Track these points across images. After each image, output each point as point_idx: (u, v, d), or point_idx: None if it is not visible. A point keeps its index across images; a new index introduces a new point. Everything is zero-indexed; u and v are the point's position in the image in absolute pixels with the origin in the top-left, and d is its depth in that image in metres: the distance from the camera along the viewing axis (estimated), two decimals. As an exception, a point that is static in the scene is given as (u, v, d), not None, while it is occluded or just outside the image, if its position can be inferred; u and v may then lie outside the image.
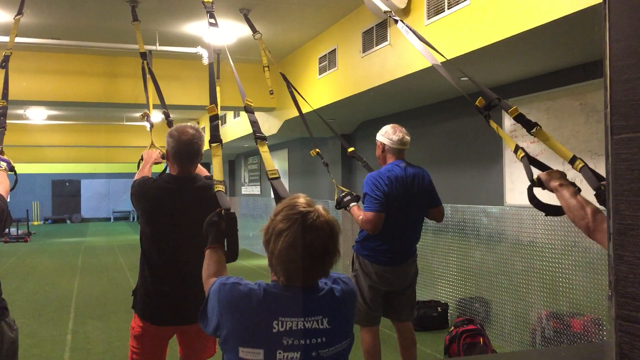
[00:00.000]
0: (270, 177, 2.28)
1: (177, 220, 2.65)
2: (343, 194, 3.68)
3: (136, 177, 2.88)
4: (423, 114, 6.26)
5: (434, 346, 4.97)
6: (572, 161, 2.15)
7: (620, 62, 0.77)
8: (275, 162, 11.40)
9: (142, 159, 3.19)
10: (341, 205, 3.66)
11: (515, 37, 3.40)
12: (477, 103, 2.55)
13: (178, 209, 2.64)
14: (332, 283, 1.69)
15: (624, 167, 0.75)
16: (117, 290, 7.88)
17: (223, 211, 2.04)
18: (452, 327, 4.61)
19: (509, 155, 4.86)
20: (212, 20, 3.05)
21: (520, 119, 2.36)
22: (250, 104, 2.68)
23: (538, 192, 2.18)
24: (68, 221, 25.46)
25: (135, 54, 4.79)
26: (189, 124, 2.79)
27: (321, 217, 1.60)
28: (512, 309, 4.87)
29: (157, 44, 5.64)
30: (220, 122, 10.68)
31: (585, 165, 2.06)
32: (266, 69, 4.96)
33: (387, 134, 3.52)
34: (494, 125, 2.53)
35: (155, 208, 2.67)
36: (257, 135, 2.52)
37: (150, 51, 5.32)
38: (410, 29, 3.05)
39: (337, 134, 4.23)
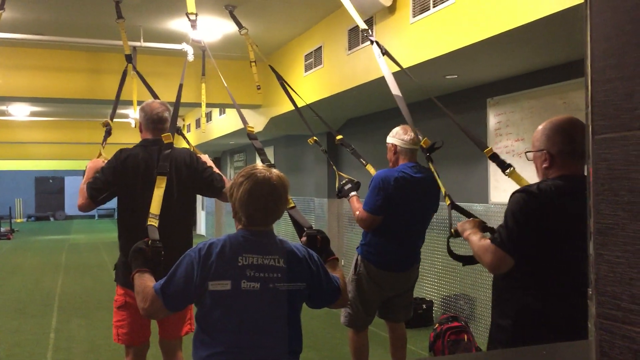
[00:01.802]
0: (288, 207, 2.45)
1: (152, 181, 2.78)
2: (344, 182, 3.60)
3: (81, 184, 2.97)
4: (410, 111, 6.27)
5: (418, 343, 5.00)
6: None
7: (601, 63, 0.77)
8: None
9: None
10: (342, 194, 3.59)
11: (499, 35, 3.42)
12: (422, 144, 2.75)
13: (153, 169, 2.82)
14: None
15: (605, 166, 0.76)
16: (101, 288, 7.82)
17: (150, 242, 2.22)
18: (437, 324, 4.63)
19: (493, 154, 4.90)
20: (195, 34, 3.05)
21: (495, 159, 2.51)
22: (251, 130, 2.78)
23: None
24: (52, 218, 25.22)
25: (119, 50, 4.76)
26: (157, 100, 3.20)
27: (273, 172, 1.99)
28: (496, 306, 4.91)
29: (142, 40, 5.59)
30: (205, 119, 10.59)
31: None
32: (253, 64, 4.92)
33: (397, 135, 3.42)
34: (432, 167, 2.71)
35: (133, 172, 2.89)
36: (267, 165, 2.59)
37: (134, 47, 5.28)
38: (385, 52, 3.12)
39: (326, 124, 4.12)
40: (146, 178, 2.87)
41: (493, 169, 4.98)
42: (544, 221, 1.98)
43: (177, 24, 5.65)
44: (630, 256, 0.72)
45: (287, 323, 1.97)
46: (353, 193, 3.52)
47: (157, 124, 3.00)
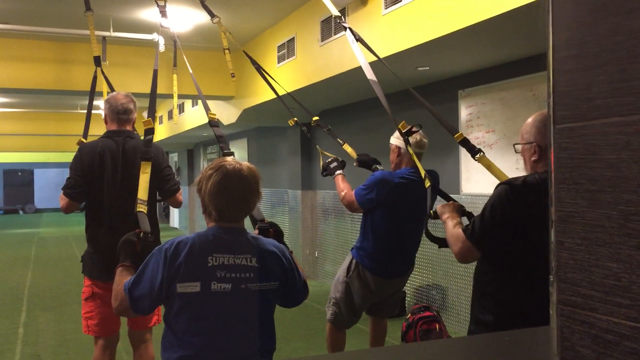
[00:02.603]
0: None
1: (117, 170, 2.94)
2: (329, 160, 3.55)
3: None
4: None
5: (391, 333, 5.03)
6: None
7: (562, 53, 0.78)
8: (235, 152, 11.31)
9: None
10: (327, 171, 3.53)
11: (469, 27, 3.44)
12: (399, 127, 2.74)
13: (118, 160, 2.95)
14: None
15: (565, 156, 0.77)
16: (71, 281, 7.72)
17: (142, 234, 2.17)
18: (409, 314, 4.68)
19: (465, 145, 4.95)
20: (164, 21, 3.01)
21: (465, 144, 2.52)
22: (213, 117, 2.75)
23: None
24: (21, 212, 24.74)
25: (88, 40, 4.66)
26: (121, 92, 3.24)
27: (243, 164, 1.91)
28: (467, 296, 4.97)
29: (112, 29, 5.50)
30: (178, 110, 10.47)
31: None
32: (227, 51, 4.84)
33: (401, 137, 3.21)
34: (411, 150, 2.71)
35: (99, 163, 2.96)
36: (224, 152, 2.58)
37: (104, 37, 5.18)
38: (358, 39, 3.10)
39: (303, 107, 4.04)
40: (112, 168, 2.94)
41: (464, 160, 5.02)
42: (526, 216, 1.95)
43: (147, 13, 5.56)
44: (589, 243, 0.73)
45: (260, 323, 1.90)
46: (339, 172, 3.48)
47: (121, 114, 3.07)
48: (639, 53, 0.67)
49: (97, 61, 4.18)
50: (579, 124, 0.75)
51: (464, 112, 5.04)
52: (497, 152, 4.45)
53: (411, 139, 3.18)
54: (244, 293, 1.83)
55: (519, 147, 2.13)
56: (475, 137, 4.83)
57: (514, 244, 1.99)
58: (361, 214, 3.46)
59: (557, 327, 0.78)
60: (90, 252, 2.99)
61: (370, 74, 2.88)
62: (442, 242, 2.33)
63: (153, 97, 2.74)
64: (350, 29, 3.14)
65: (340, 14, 3.37)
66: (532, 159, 2.07)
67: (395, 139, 3.37)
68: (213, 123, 2.80)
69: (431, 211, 2.39)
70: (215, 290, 1.79)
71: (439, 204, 2.41)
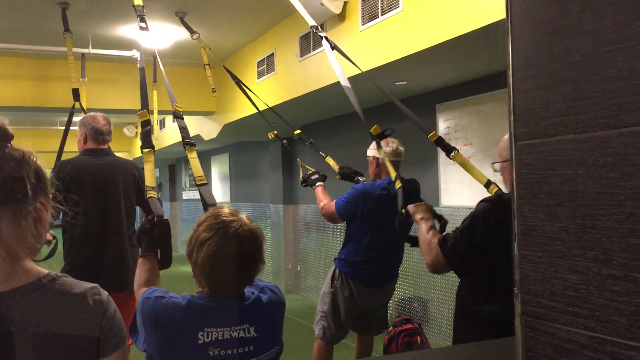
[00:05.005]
0: (198, 183, 2.34)
1: (99, 187, 3.06)
2: (310, 172, 3.61)
3: None
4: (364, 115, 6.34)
5: (373, 346, 5.04)
6: (487, 185, 2.28)
7: (521, 73, 0.82)
8: (217, 167, 11.29)
9: None
10: (307, 182, 3.59)
11: (444, 43, 3.50)
12: (372, 131, 2.79)
13: (100, 176, 3.09)
14: (259, 292, 1.68)
15: (526, 171, 0.80)
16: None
17: (155, 218, 2.04)
18: (391, 327, 4.68)
19: (443, 158, 5.00)
20: (143, 24, 3.02)
21: (439, 143, 2.56)
22: (179, 109, 2.70)
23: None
24: None
25: (67, 57, 4.65)
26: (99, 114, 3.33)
27: (244, 225, 1.59)
28: (449, 308, 5.00)
29: (90, 46, 5.49)
30: (158, 126, 10.43)
31: (499, 189, 2.20)
32: (207, 67, 4.87)
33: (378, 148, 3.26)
34: (382, 154, 2.75)
35: (89, 178, 3.07)
36: (185, 141, 2.55)
37: (83, 54, 5.18)
38: (334, 47, 3.14)
39: (284, 120, 4.06)
40: (98, 183, 3.06)
41: (443, 172, 5.08)
42: (505, 234, 1.97)
43: (126, 30, 5.56)
44: (550, 256, 0.76)
45: None
46: (319, 183, 3.52)
47: (105, 135, 3.23)
48: (592, 73, 0.71)
49: (76, 95, 4.25)
50: (538, 141, 0.78)
51: (442, 126, 5.10)
52: (474, 164, 4.46)
53: (388, 149, 3.25)
54: None
55: (497, 165, 2.12)
56: (454, 150, 4.89)
57: (493, 261, 1.98)
58: (343, 226, 3.50)
59: (521, 337, 0.81)
60: (68, 269, 3.00)
61: (344, 81, 2.93)
62: (414, 241, 2.35)
63: (144, 89, 2.69)
64: (327, 38, 3.19)
65: (316, 24, 3.41)
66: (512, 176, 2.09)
67: (372, 151, 3.42)
68: (177, 114, 2.75)
69: (402, 210, 2.40)
70: None
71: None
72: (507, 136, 2.13)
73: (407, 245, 2.45)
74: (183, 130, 2.63)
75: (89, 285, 1.15)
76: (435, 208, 5.10)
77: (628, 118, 0.65)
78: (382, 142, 3.25)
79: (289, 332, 5.64)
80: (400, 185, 2.55)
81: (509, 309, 1.96)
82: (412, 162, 5.53)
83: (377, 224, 3.31)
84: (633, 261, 0.65)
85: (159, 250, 1.99)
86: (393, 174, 2.67)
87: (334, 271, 3.50)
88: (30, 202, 1.07)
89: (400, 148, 3.34)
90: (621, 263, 0.66)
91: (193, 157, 2.50)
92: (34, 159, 1.14)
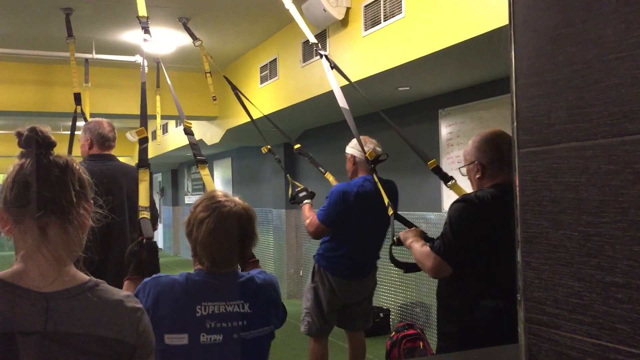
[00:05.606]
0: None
1: (103, 192, 2.95)
2: (298, 189, 3.68)
3: None
4: (363, 122, 6.34)
5: (375, 351, 5.04)
6: None
7: (524, 81, 0.82)
8: (219, 172, 11.30)
9: None
10: (296, 200, 3.67)
11: (447, 49, 3.51)
12: (367, 156, 2.84)
13: (105, 181, 2.96)
14: (253, 274, 1.81)
15: (529, 178, 0.80)
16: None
17: (144, 240, 2.06)
18: (393, 332, 4.68)
19: (446, 163, 5.00)
20: (147, 36, 3.02)
21: (437, 172, 2.62)
22: (189, 125, 2.73)
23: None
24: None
25: (70, 62, 4.67)
26: (104, 120, 3.32)
27: (238, 204, 1.75)
28: (451, 313, 4.99)
29: (94, 52, 5.51)
30: (161, 131, 10.44)
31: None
32: (208, 74, 4.91)
33: (357, 146, 3.34)
34: (375, 179, 2.80)
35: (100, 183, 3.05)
36: (197, 158, 2.57)
37: (86, 59, 5.20)
38: (334, 67, 3.19)
39: (284, 133, 4.16)
40: (103, 189, 2.98)
41: (446, 178, 5.08)
42: (482, 228, 2.06)
43: (129, 35, 5.58)
44: (553, 263, 0.76)
45: None
46: (307, 201, 3.60)
47: (111, 141, 3.25)
48: (595, 81, 0.71)
49: (77, 99, 4.26)
50: (541, 148, 0.78)
51: (445, 131, 5.11)
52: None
53: (366, 148, 3.25)
54: (237, 343, 1.68)
55: (464, 169, 2.25)
56: (456, 155, 4.89)
57: (475, 255, 2.08)
58: None
59: (525, 344, 0.81)
60: None
61: (342, 102, 2.98)
62: (408, 267, 2.43)
63: (143, 106, 2.72)
64: (327, 57, 3.23)
65: (317, 41, 3.47)
66: (477, 176, 2.19)
67: (351, 148, 3.51)
68: (188, 131, 2.79)
69: (395, 238, 2.48)
70: (205, 342, 1.64)
71: (401, 231, 2.51)
72: (470, 141, 2.23)
73: (401, 271, 2.54)
74: (194, 147, 2.68)
75: (124, 293, 1.22)
76: (437, 213, 5.11)
77: (631, 126, 0.66)
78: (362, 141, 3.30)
79: (290, 337, 5.63)
80: (392, 212, 2.66)
81: (494, 300, 2.01)
82: (414, 168, 5.53)
83: (354, 220, 3.39)
84: (636, 269, 0.65)
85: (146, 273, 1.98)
86: (386, 200, 2.73)
87: (314, 267, 3.61)
88: (75, 208, 1.12)
89: (378, 148, 3.39)
90: (624, 270, 0.66)
91: (206, 175, 2.51)
92: (76, 165, 1.18)
